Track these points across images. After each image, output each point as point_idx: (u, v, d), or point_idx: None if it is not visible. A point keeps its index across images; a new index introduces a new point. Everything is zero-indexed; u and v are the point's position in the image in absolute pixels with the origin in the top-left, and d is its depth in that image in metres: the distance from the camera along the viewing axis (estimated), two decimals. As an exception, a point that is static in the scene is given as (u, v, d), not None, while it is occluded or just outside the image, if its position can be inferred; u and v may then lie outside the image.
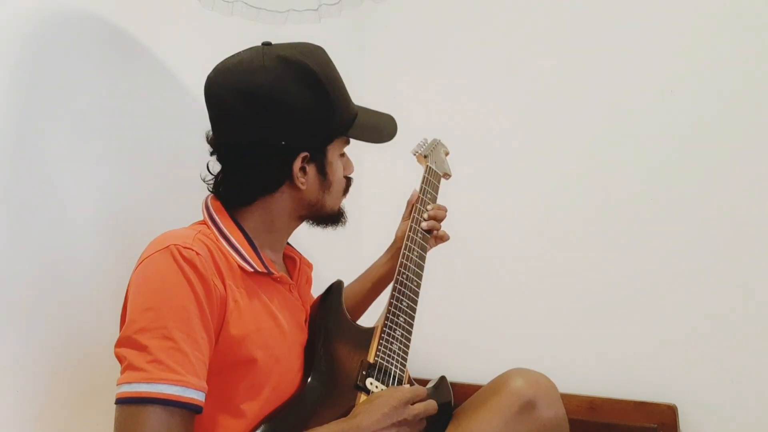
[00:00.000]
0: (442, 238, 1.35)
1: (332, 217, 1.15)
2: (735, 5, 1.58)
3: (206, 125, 1.09)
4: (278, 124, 1.03)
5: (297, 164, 1.04)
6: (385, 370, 1.10)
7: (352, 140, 1.14)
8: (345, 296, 1.21)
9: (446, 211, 1.34)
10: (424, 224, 1.29)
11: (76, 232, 1.26)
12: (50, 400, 1.18)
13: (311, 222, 1.15)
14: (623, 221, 1.67)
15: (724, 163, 1.57)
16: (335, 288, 1.19)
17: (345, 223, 1.17)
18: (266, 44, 1.08)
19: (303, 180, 1.06)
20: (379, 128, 1.17)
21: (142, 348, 0.88)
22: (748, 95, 1.56)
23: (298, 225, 1.14)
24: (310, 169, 1.07)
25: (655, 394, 1.57)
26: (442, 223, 1.34)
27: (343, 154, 1.14)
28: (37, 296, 1.18)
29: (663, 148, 1.63)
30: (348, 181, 1.16)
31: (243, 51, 1.08)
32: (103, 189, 1.32)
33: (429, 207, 1.32)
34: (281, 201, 1.08)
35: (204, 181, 1.10)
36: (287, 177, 1.05)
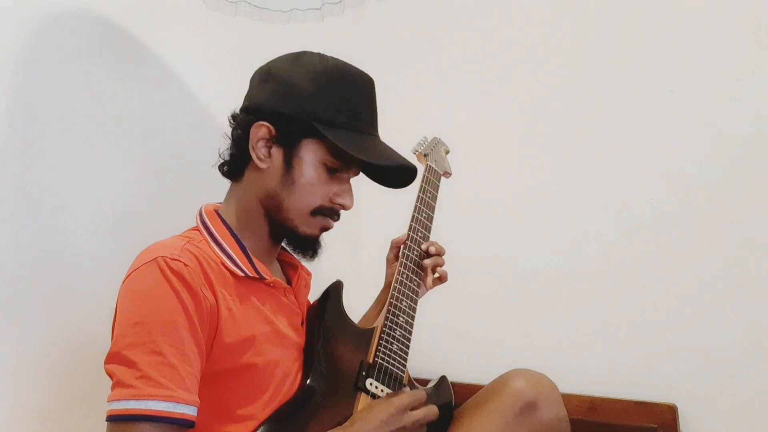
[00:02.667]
0: (442, 279, 1.29)
1: (296, 234, 1.06)
2: (735, 5, 1.58)
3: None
4: (260, 91, 1.05)
5: (257, 132, 1.01)
6: (385, 371, 1.10)
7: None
8: None
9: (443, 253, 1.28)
10: (427, 261, 1.23)
11: (77, 232, 1.26)
12: (50, 400, 1.18)
13: (285, 238, 1.09)
14: (623, 221, 1.67)
15: (723, 163, 1.56)
16: (334, 289, 1.18)
17: (313, 255, 1.09)
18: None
19: (262, 156, 1.02)
20: (373, 152, 1.04)
21: (130, 364, 0.87)
22: (748, 94, 1.56)
23: (274, 227, 1.07)
24: (276, 154, 1.02)
25: (655, 394, 1.57)
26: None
27: (335, 173, 1.05)
28: (37, 296, 1.18)
29: (663, 149, 1.63)
30: (331, 208, 1.06)
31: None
32: (104, 190, 1.32)
33: (424, 247, 1.25)
34: (251, 182, 1.05)
35: (220, 155, 1.09)
36: (247, 144, 1.02)
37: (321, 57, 1.06)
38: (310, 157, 1.03)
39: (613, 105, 1.70)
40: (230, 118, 1.08)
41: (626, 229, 1.66)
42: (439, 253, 1.27)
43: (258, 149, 1.02)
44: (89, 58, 1.31)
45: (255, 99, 1.06)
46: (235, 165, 1.07)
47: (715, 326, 1.55)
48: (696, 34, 1.62)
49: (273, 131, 1.02)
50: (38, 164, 1.20)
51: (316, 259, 1.10)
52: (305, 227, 1.06)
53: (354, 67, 1.08)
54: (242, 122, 1.04)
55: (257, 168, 1.03)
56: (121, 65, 1.37)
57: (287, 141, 1.02)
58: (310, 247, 1.09)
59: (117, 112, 1.35)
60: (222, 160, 1.09)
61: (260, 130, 1.02)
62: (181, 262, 0.93)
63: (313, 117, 1.01)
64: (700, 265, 1.58)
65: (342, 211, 1.09)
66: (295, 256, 1.12)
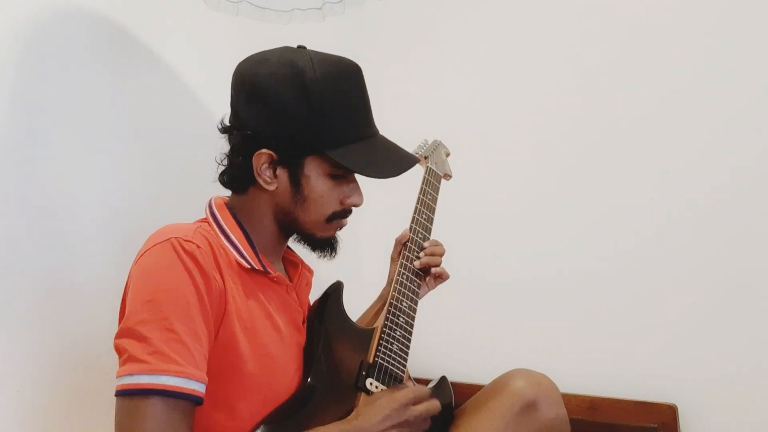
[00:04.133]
0: (441, 277, 1.28)
1: (314, 240, 1.08)
2: (734, 3, 1.58)
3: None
4: (252, 114, 1.01)
5: (259, 159, 1.01)
6: (385, 371, 1.11)
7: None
8: None
9: (443, 248, 1.29)
10: (417, 263, 1.24)
11: (78, 232, 1.26)
12: (50, 400, 1.19)
13: (298, 240, 1.11)
14: (623, 221, 1.66)
15: (725, 163, 1.56)
16: (334, 289, 1.19)
17: (332, 254, 1.11)
18: (300, 47, 1.06)
19: (268, 180, 1.02)
20: (377, 162, 1.05)
21: (143, 339, 0.88)
22: (748, 93, 1.55)
23: (285, 233, 1.09)
24: (282, 174, 1.02)
25: (655, 394, 1.57)
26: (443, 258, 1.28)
27: (341, 178, 1.05)
28: (37, 296, 1.18)
29: (662, 148, 1.63)
30: (343, 210, 1.07)
31: (278, 47, 1.07)
32: (104, 189, 1.32)
33: (426, 244, 1.26)
34: (260, 199, 1.05)
35: (219, 163, 1.09)
36: (250, 170, 1.02)
37: (305, 60, 1.01)
38: (316, 172, 1.03)
39: (616, 106, 1.69)
40: (220, 129, 1.07)
41: (626, 230, 1.66)
42: (433, 253, 1.27)
43: (263, 174, 1.02)
44: (90, 58, 1.31)
45: (248, 122, 1.02)
46: (239, 183, 1.06)
47: (715, 326, 1.55)
48: (697, 34, 1.62)
49: (275, 156, 1.01)
50: (38, 164, 1.21)
51: (336, 256, 1.11)
52: (322, 233, 1.08)
53: (339, 62, 1.05)
54: (241, 149, 1.03)
55: (264, 189, 1.03)
56: (121, 65, 1.37)
57: (291, 162, 1.02)
58: (329, 247, 1.10)
59: (118, 112, 1.35)
60: (222, 168, 1.08)
61: (262, 157, 1.01)
62: (194, 243, 0.94)
63: (313, 138, 1.01)
64: (700, 265, 1.57)
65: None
66: (316, 256, 1.12)
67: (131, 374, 0.87)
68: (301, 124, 1.00)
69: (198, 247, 0.94)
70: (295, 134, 1.01)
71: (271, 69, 1.01)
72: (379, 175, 1.04)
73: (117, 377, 0.88)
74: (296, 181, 1.03)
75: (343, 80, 1.04)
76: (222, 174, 1.08)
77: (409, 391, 1.03)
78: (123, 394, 0.87)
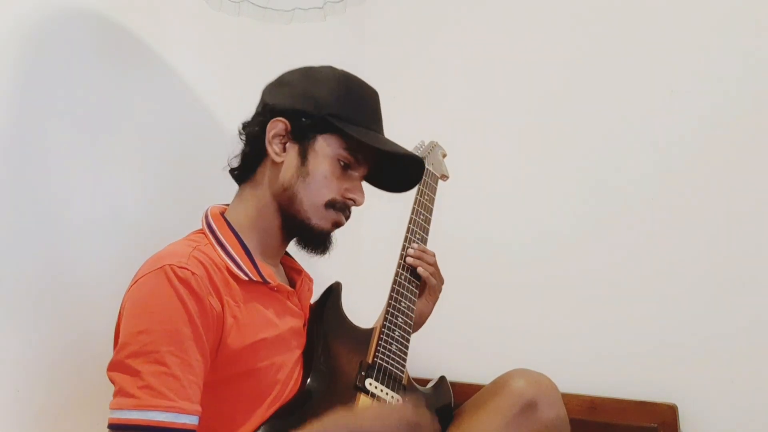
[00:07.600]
0: (428, 283, 1.25)
1: (308, 229, 1.07)
2: (736, 2, 1.58)
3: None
4: (277, 94, 1.09)
5: (272, 128, 1.05)
6: (385, 371, 1.11)
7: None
8: None
9: (433, 256, 1.28)
10: (409, 260, 1.23)
11: (78, 232, 1.26)
12: (50, 400, 1.19)
13: (296, 239, 1.12)
14: (623, 221, 1.67)
15: (725, 164, 1.56)
16: (334, 289, 1.20)
17: (324, 251, 1.11)
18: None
19: (277, 150, 1.06)
20: (384, 142, 1.10)
21: (133, 373, 0.88)
22: (749, 93, 1.56)
23: (287, 226, 1.09)
24: (291, 149, 1.06)
25: (655, 394, 1.57)
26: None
27: (347, 168, 1.08)
28: (38, 296, 1.18)
29: (663, 148, 1.63)
30: (343, 202, 1.08)
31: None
32: (105, 190, 1.32)
33: (414, 245, 1.25)
34: (264, 180, 1.08)
35: (228, 164, 1.13)
36: (262, 142, 1.06)
37: (332, 67, 1.11)
38: (325, 151, 1.06)
39: (615, 106, 1.70)
40: (240, 127, 1.12)
41: (627, 230, 1.66)
42: (420, 257, 1.25)
43: (273, 144, 1.06)
44: (90, 58, 1.31)
45: (270, 101, 1.09)
46: (248, 164, 1.09)
47: (715, 326, 1.55)
48: (696, 34, 1.62)
49: (288, 127, 1.05)
50: (38, 164, 1.20)
51: (327, 255, 1.12)
52: (318, 220, 1.08)
53: (362, 79, 1.13)
54: (258, 121, 1.08)
55: (271, 164, 1.07)
56: (122, 65, 1.37)
57: (302, 136, 1.06)
58: (321, 242, 1.10)
59: (118, 112, 1.35)
60: (230, 167, 1.11)
61: (276, 125, 1.05)
62: (188, 270, 0.93)
63: (327, 113, 1.05)
64: (700, 265, 1.58)
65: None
66: (306, 252, 1.13)
67: (121, 409, 0.87)
68: (319, 101, 1.06)
69: (192, 273, 0.93)
70: (311, 109, 1.06)
71: (300, 68, 1.12)
72: (387, 148, 1.08)
73: (109, 409, 0.88)
74: (304, 155, 1.06)
75: (363, 87, 1.13)
76: (233, 168, 1.12)
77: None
78: (114, 428, 0.87)
